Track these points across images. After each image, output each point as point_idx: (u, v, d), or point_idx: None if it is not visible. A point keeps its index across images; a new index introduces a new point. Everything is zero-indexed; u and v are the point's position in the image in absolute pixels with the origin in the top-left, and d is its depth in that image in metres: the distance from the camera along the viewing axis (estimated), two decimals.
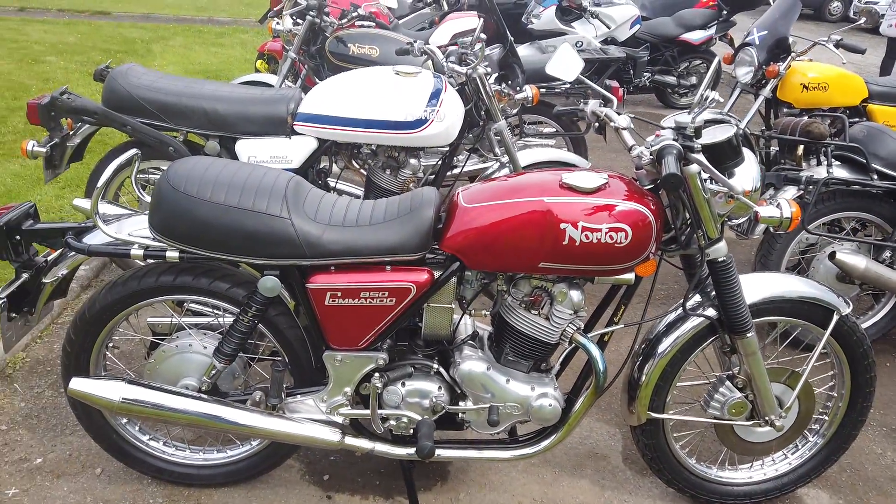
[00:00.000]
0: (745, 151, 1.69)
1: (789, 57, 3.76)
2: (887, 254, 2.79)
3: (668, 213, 1.73)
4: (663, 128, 1.71)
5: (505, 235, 1.63)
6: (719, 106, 3.53)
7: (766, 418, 1.88)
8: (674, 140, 1.57)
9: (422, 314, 1.75)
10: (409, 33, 5.04)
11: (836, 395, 2.01)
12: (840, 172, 2.74)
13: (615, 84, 3.81)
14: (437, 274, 1.69)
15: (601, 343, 1.85)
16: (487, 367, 1.77)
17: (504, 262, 1.67)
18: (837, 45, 3.77)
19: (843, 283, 2.84)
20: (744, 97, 4.17)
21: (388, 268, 1.67)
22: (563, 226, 1.61)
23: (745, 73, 3.88)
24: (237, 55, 7.76)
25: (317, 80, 3.75)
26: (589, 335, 1.78)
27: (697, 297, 1.86)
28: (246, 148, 2.55)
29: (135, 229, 1.73)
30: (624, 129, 1.85)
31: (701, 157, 1.56)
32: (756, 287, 1.84)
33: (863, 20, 3.69)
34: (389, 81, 2.62)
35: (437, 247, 1.70)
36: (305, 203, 1.68)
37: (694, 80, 7.08)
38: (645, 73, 6.79)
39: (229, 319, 1.83)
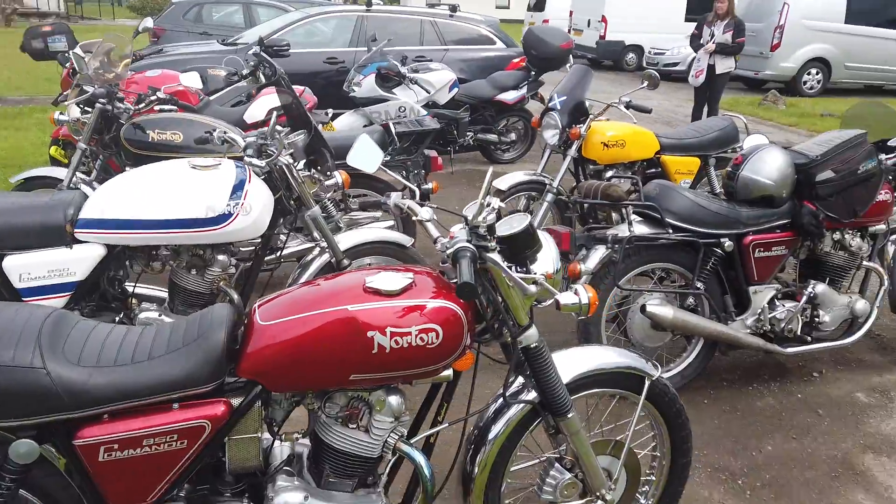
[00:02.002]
0: (542, 236, 1.71)
1: (588, 119, 4.04)
2: (690, 300, 3.01)
3: (479, 304, 1.70)
4: (467, 220, 1.68)
5: (307, 352, 1.50)
6: (534, 166, 3.67)
7: (597, 493, 1.88)
8: (468, 241, 1.54)
9: (225, 447, 1.56)
10: (222, 110, 4.83)
11: (659, 454, 2.07)
12: (641, 229, 2.92)
13: (433, 153, 3.88)
14: (236, 403, 1.52)
15: (428, 445, 1.76)
16: (305, 496, 1.61)
17: (311, 381, 1.54)
18: (627, 106, 4.12)
19: (657, 331, 3.01)
20: (555, 157, 4.42)
21: (176, 406, 1.47)
22: (370, 334, 1.51)
23: (551, 136, 4.11)
24: (33, 139, 7.03)
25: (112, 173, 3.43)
26: (413, 440, 1.69)
27: (520, 382, 1.84)
28: (16, 265, 2.22)
29: None
30: (427, 221, 1.81)
31: (496, 255, 1.55)
32: (572, 363, 1.86)
33: (645, 84, 4.03)
34: (185, 175, 2.43)
35: (233, 372, 1.53)
36: (67, 344, 1.44)
37: (513, 136, 7.48)
38: (468, 133, 7.05)
39: None
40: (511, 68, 7.81)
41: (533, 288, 1.56)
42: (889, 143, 3.35)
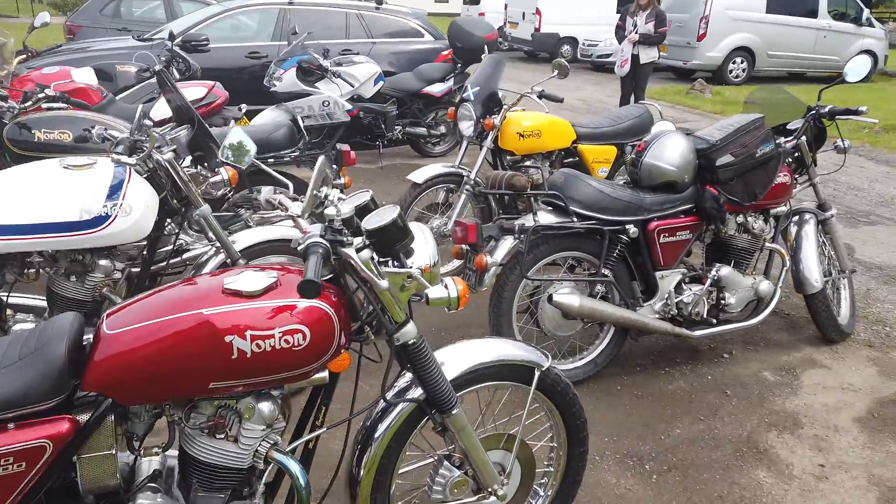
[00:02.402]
0: (417, 228, 1.65)
1: (502, 109, 4.02)
2: (599, 287, 3.01)
3: (352, 301, 1.63)
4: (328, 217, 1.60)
5: (159, 362, 1.40)
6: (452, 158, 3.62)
7: (489, 489, 1.84)
8: (321, 237, 1.47)
9: (77, 467, 1.45)
10: (127, 108, 4.61)
11: (555, 444, 2.05)
12: (547, 218, 2.91)
13: (346, 147, 3.78)
14: (83, 419, 1.41)
15: (308, 451, 1.68)
16: None
17: (165, 391, 1.44)
18: (540, 95, 4.11)
19: (568, 320, 3.01)
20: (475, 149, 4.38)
21: (11, 426, 1.35)
22: (228, 338, 1.42)
23: (466, 127, 4.07)
24: None
25: None
26: (290, 447, 1.61)
27: (408, 379, 1.78)
28: None
29: None
30: (298, 216, 1.73)
31: (351, 251, 1.48)
32: (458, 359, 1.81)
33: (556, 73, 4.03)
34: (56, 176, 2.28)
35: (78, 386, 1.42)
36: None
37: (443, 129, 7.42)
38: (396, 127, 6.96)
39: None
40: (440, 60, 7.75)
41: (384, 283, 1.50)
42: (789, 127, 3.43)
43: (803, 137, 3.36)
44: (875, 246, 4.97)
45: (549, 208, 2.97)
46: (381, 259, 1.59)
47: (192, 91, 4.56)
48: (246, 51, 7.58)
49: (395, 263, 1.60)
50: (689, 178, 3.05)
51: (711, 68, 14.52)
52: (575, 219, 2.87)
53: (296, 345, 1.46)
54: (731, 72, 14.56)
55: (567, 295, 2.83)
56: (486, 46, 7.13)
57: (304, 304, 1.48)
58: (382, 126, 6.86)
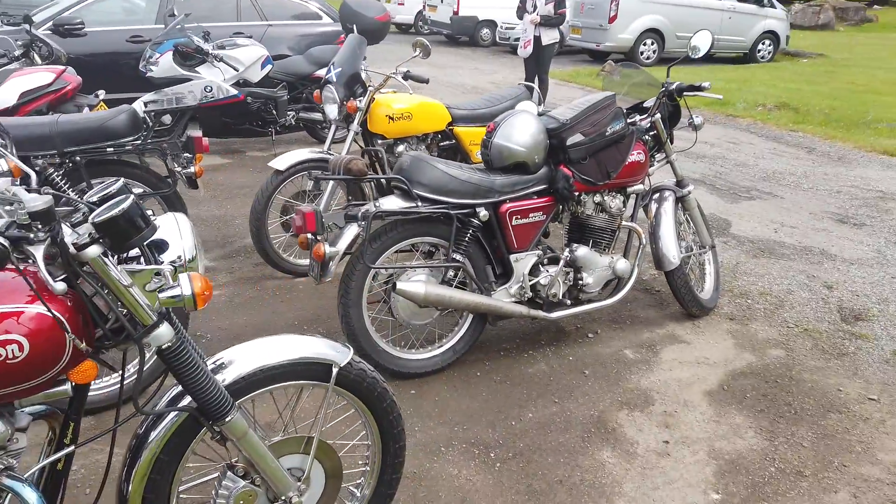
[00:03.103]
0: (165, 219, 1.50)
1: (367, 91, 3.88)
2: (451, 273, 2.93)
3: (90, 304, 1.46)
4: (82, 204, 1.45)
5: None
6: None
7: (284, 497, 1.73)
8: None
9: None
10: None
11: (369, 442, 1.96)
12: (394, 203, 2.80)
13: (197, 133, 3.57)
14: None
15: (58, 473, 1.52)
16: None
17: None
18: (405, 76, 3.99)
19: (423, 308, 2.92)
20: None
21: None
22: None
23: (331, 110, 3.91)
24: None
25: None
26: (32, 471, 1.44)
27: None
28: None
29: None
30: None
31: (37, 249, 1.31)
32: (240, 361, 1.68)
33: (419, 52, 3.93)
34: None
35: None
36: None
37: None
38: (289, 112, 6.72)
39: None
40: (340, 43, 7.52)
41: (125, 280, 1.36)
42: (645, 105, 3.43)
43: (658, 115, 3.36)
44: (750, 220, 5.11)
45: (399, 193, 2.87)
46: (134, 256, 1.43)
47: (39, 77, 4.23)
48: (128, 35, 7.17)
49: (149, 259, 1.45)
50: (540, 158, 3.00)
51: (623, 50, 14.77)
52: (419, 203, 2.77)
53: (11, 357, 1.30)
54: (642, 53, 14.85)
55: (411, 283, 2.74)
56: (387, 29, 6.96)
57: (14, 309, 1.31)
58: (273, 112, 6.62)
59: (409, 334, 3.08)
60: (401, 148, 4.14)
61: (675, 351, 3.29)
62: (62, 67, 4.42)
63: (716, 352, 3.29)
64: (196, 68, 6.18)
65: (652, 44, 14.67)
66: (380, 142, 4.12)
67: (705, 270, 3.78)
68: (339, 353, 1.78)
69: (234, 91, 6.30)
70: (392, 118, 3.98)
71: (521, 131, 2.95)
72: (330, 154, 3.95)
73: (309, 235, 2.73)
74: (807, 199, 5.63)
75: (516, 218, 2.96)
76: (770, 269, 4.20)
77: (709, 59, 15.76)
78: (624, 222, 3.31)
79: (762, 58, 15.75)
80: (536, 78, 8.68)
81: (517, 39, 15.65)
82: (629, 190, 3.30)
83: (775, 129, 8.34)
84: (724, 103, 9.89)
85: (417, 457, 2.49)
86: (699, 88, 3.37)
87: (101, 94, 4.68)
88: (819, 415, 2.81)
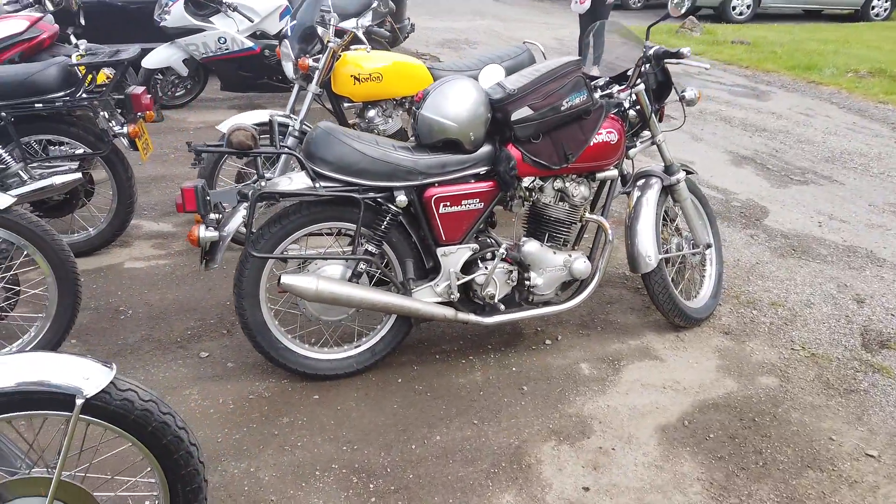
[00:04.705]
0: None
1: (328, 49, 3.46)
2: (363, 266, 2.53)
3: None
4: None
5: None
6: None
7: None
8: None
9: None
10: None
11: (155, 480, 1.64)
12: (290, 182, 2.42)
13: (137, 90, 3.29)
14: None
15: None
16: None
17: None
18: (367, 33, 3.54)
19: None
20: None
21: None
22: None
23: (288, 68, 3.54)
24: None
25: None
26: None
27: None
28: None
29: None
30: None
31: None
32: None
33: (377, 3, 3.46)
34: None
35: None
36: None
37: None
38: None
39: None
40: None
41: None
42: (628, 73, 2.84)
43: (640, 86, 2.77)
44: (794, 209, 4.38)
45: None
46: None
47: (11, 25, 4.07)
48: None
49: None
50: (478, 135, 2.52)
51: (713, 5, 13.54)
52: (318, 183, 2.37)
53: None
54: (734, 8, 13.56)
55: (299, 276, 2.36)
56: None
57: None
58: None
59: (323, 330, 2.73)
60: (371, 113, 3.73)
61: (642, 369, 2.78)
62: (38, 15, 4.26)
63: (691, 374, 2.75)
64: (210, 18, 5.96)
65: None
66: (346, 105, 3.73)
67: (704, 273, 3.20)
68: (90, 379, 1.45)
69: (249, 43, 6.06)
70: (358, 79, 3.56)
71: (455, 102, 2.47)
72: (291, 118, 3.59)
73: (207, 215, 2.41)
74: (871, 186, 4.78)
75: (444, 205, 2.51)
76: (795, 274, 3.54)
77: (814, 15, 14.25)
78: (588, 214, 2.79)
79: (876, 16, 14.02)
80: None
81: None
82: (599, 176, 2.77)
83: (861, 100, 7.25)
84: (809, 67, 8.76)
85: (284, 480, 2.17)
86: (678, 55, 2.74)
87: (84, 44, 4.49)
88: (793, 471, 2.26)
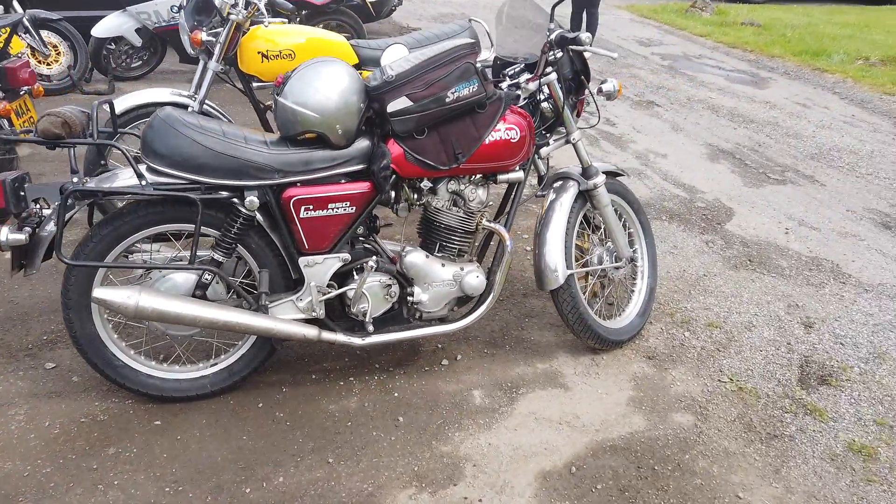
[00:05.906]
0: None
1: (230, 22, 3.10)
2: (207, 277, 2.20)
3: None
4: None
5: None
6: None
7: None
8: None
9: None
10: None
11: None
12: (114, 178, 2.09)
13: (14, 64, 2.96)
14: None
15: None
16: None
17: None
18: (267, 5, 3.17)
19: None
20: None
21: None
22: None
23: (186, 42, 3.19)
24: None
25: None
26: None
27: None
28: None
29: None
30: None
31: None
32: None
33: None
34: None
35: None
36: None
37: None
38: None
39: None
40: None
41: None
42: (549, 59, 2.44)
43: (552, 75, 2.38)
44: (762, 212, 3.97)
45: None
46: None
47: None
48: None
49: None
50: (348, 128, 2.16)
51: None
52: (144, 180, 2.04)
53: None
54: None
55: (114, 290, 2.03)
56: None
57: None
58: None
59: (176, 346, 2.42)
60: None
61: (541, 400, 2.44)
62: None
63: (596, 408, 2.41)
64: None
65: None
66: (255, 85, 3.38)
67: (634, 287, 2.83)
68: None
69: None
70: (266, 56, 3.21)
71: (320, 89, 2.11)
72: (190, 98, 3.25)
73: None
74: (854, 189, 4.35)
75: (307, 208, 2.17)
76: (743, 290, 3.16)
77: None
78: (484, 222, 2.43)
79: None
80: (584, 12, 7.54)
81: None
82: (501, 178, 2.40)
83: (866, 91, 6.74)
84: (818, 54, 8.21)
85: None
86: (576, 42, 2.34)
87: (17, 7, 4.10)
88: None
